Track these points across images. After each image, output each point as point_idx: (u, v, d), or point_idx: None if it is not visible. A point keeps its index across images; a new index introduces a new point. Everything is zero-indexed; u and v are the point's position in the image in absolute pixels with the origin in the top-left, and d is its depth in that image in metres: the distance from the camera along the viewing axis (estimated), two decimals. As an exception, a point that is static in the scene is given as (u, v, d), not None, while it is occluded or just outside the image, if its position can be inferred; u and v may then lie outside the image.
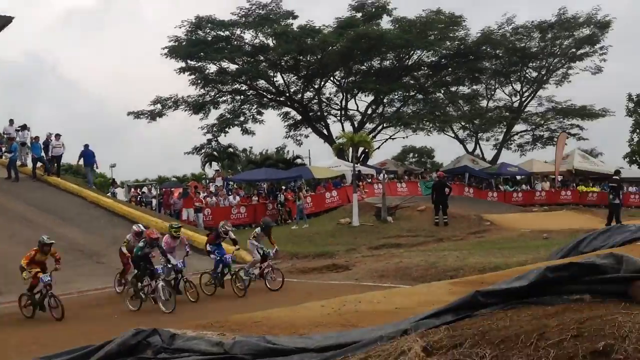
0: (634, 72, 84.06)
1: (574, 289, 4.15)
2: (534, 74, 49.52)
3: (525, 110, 50.68)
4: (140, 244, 13.65)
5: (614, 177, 24.41)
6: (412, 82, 48.77)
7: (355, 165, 32.26)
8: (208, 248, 15.10)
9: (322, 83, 48.00)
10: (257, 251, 14.93)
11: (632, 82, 73.30)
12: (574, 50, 47.68)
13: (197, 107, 47.12)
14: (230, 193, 31.64)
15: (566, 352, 3.34)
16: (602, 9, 46.68)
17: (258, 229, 15.58)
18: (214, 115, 48.33)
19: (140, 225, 15.88)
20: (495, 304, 4.46)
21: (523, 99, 50.28)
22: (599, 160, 47.87)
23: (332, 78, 48.08)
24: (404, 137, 50.99)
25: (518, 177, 42.99)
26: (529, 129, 51.83)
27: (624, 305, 3.69)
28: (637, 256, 4.37)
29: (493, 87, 50.43)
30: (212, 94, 47.85)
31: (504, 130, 50.75)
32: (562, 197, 39.14)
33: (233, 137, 61.28)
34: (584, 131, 50.04)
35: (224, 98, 48.34)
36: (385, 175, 34.81)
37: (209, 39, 44.99)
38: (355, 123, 48.87)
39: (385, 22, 46.05)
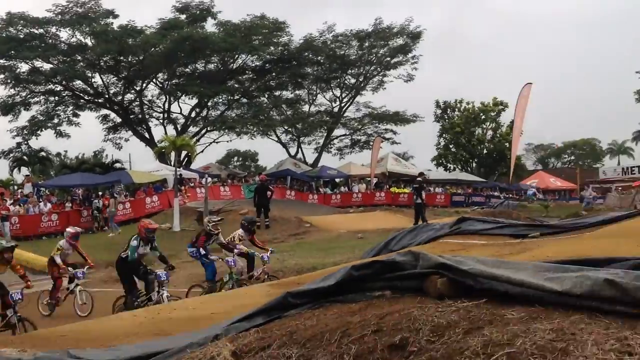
0: (441, 80, 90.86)
1: (377, 286, 4.32)
2: (353, 81, 51.56)
3: (345, 115, 52.68)
4: (134, 242, 11.18)
5: (417, 179, 26.17)
6: (236, 85, 48.99)
7: (178, 169, 31.67)
8: (198, 253, 12.70)
9: (144, 85, 46.75)
10: (240, 257, 12.99)
11: (440, 89, 78.99)
12: (388, 58, 50.40)
13: (6, 108, 44.18)
14: (41, 199, 29.63)
15: (367, 347, 3.46)
16: (414, 20, 49.92)
17: (240, 231, 13.41)
18: (24, 117, 45.50)
19: (75, 227, 14.19)
20: (305, 304, 4.54)
21: (342, 105, 52.19)
22: (410, 163, 50.84)
23: (154, 80, 47.02)
24: (228, 141, 51.22)
25: (337, 180, 44.41)
26: (348, 133, 53.92)
27: (419, 300, 3.90)
28: (439, 252, 4.66)
29: (315, 92, 51.85)
30: (24, 94, 44.97)
31: (325, 134, 52.31)
32: (377, 199, 40.89)
33: (46, 140, 57.34)
34: (397, 135, 53.03)
35: (37, 99, 45.55)
36: (209, 179, 34.47)
37: (22, 36, 42.20)
38: (179, 126, 48.07)
39: (210, 25, 45.99)
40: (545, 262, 4.32)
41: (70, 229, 13.82)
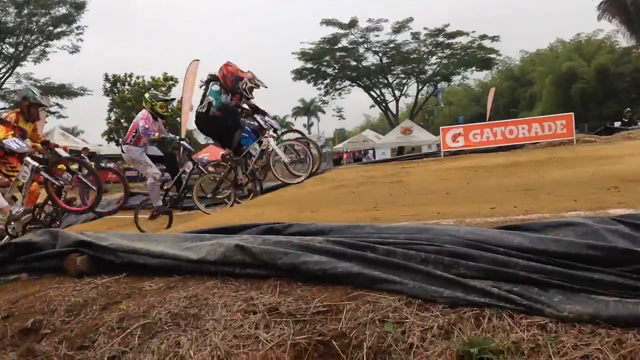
0: (109, 52, 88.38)
1: (13, 269, 4.07)
2: (11, 50, 47.65)
3: (3, 87, 48.56)
4: (215, 87, 8.19)
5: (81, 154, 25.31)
6: None
7: None
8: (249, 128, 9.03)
9: None
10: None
11: (109, 62, 76.71)
12: (51, 28, 47.42)
13: None
14: None
15: (-6, 335, 3.26)
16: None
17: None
18: None
19: None
20: None
21: (1, 76, 47.95)
22: (80, 139, 48.80)
23: None
24: None
25: None
26: (8, 107, 49.74)
27: (57, 280, 3.77)
28: (105, 230, 4.50)
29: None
30: None
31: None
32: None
33: None
34: (64, 109, 50.44)
35: None
36: None
37: None
38: None
39: None
40: (188, 232, 4.47)
41: None
